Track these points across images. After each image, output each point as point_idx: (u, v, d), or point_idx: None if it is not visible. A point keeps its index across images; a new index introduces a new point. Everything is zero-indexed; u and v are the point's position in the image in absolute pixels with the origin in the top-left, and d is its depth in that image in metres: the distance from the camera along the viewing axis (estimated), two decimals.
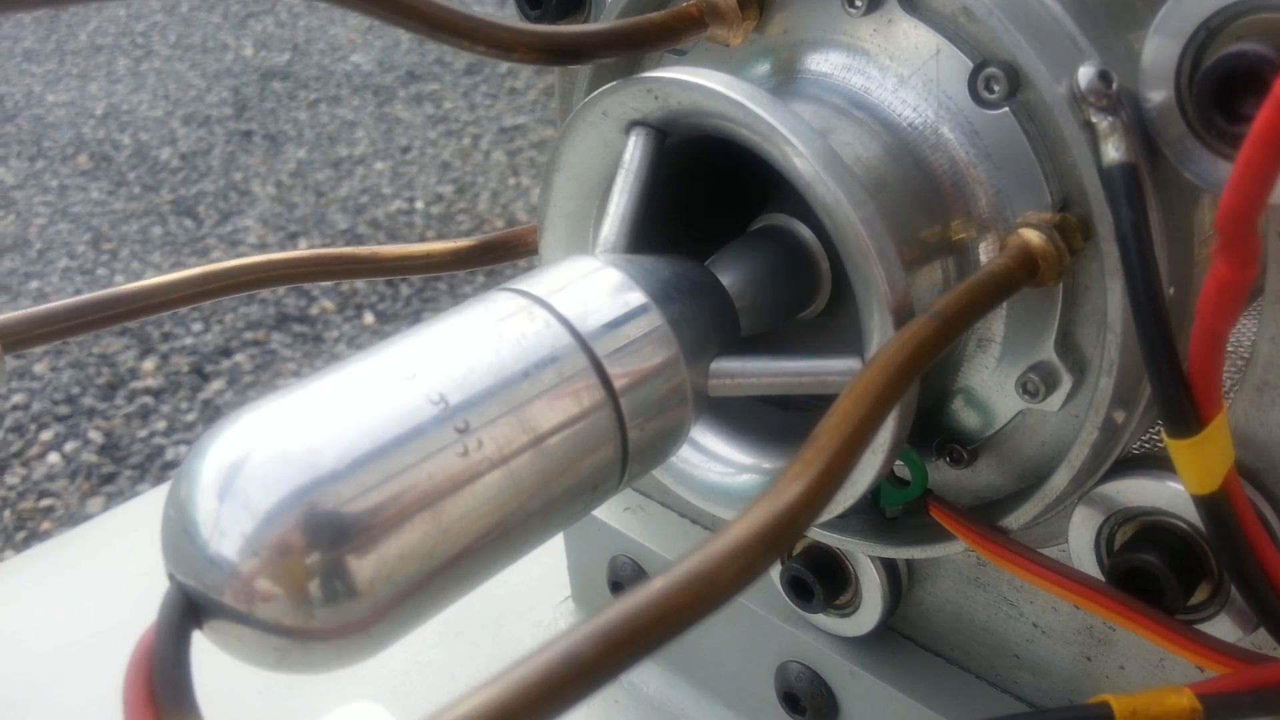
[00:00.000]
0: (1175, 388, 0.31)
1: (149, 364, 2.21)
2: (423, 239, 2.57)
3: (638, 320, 0.33)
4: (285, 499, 0.25)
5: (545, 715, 0.19)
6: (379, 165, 2.91)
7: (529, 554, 0.31)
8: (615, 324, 0.32)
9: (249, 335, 2.29)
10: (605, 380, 0.31)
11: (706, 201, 0.44)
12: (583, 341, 0.31)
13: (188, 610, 0.26)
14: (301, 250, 0.42)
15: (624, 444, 0.32)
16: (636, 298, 0.33)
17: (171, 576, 0.26)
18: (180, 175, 2.91)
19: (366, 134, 3.08)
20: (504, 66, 3.24)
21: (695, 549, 0.22)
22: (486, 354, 0.30)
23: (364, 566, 0.26)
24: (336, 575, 0.25)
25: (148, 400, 2.12)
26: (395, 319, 2.31)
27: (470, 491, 0.28)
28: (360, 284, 2.41)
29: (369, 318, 2.33)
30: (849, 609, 0.49)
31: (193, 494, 0.26)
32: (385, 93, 3.32)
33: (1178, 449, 0.32)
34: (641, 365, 0.32)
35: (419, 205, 2.72)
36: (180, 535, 0.26)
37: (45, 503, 1.89)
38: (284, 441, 0.26)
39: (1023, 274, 0.34)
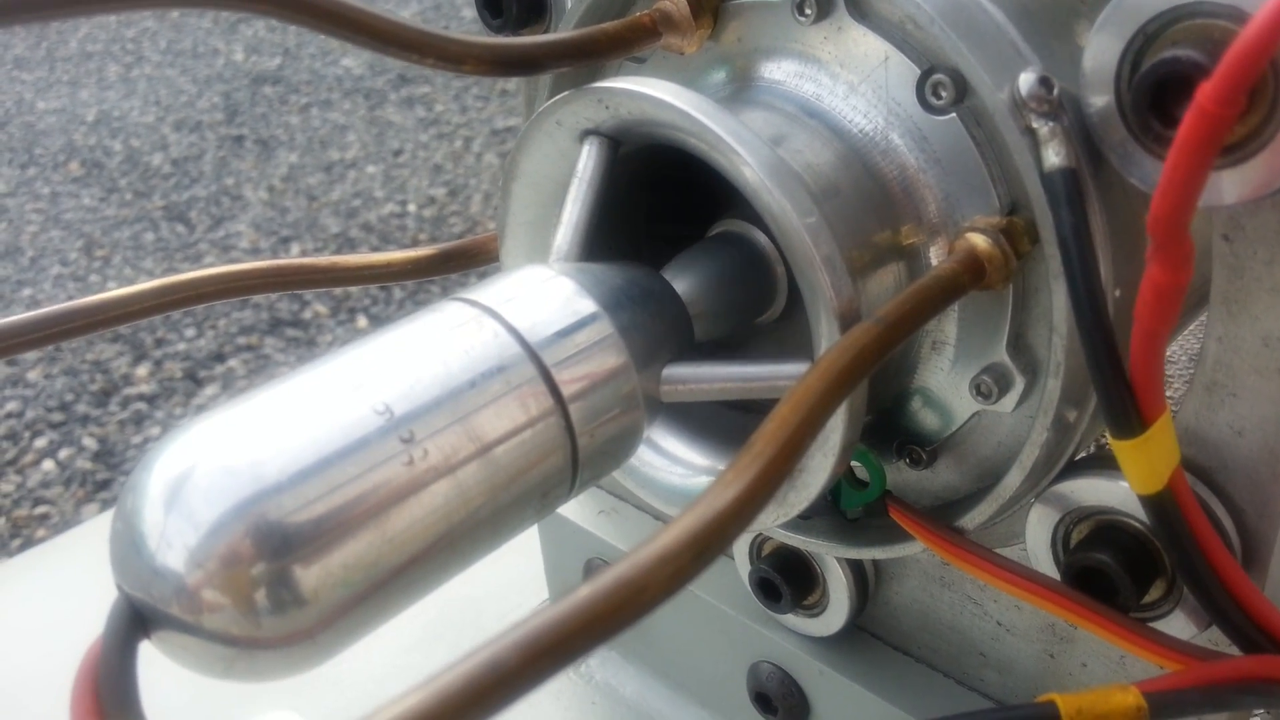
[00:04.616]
0: (1117, 389, 0.32)
1: (142, 370, 2.21)
2: (415, 242, 2.57)
3: (587, 328, 0.33)
4: (229, 511, 0.26)
5: None
6: (371, 169, 2.90)
7: (480, 561, 0.31)
8: (564, 333, 0.32)
9: (242, 340, 2.28)
10: (553, 388, 0.31)
11: (671, 206, 0.44)
12: (531, 350, 0.31)
13: (135, 621, 0.26)
14: (261, 261, 0.42)
15: (574, 451, 0.32)
16: (586, 306, 0.33)
17: (119, 588, 0.27)
18: (172, 181, 2.91)
19: (358, 138, 3.08)
20: None
21: (625, 556, 0.23)
22: (434, 364, 0.30)
23: (309, 576, 0.26)
24: (282, 585, 0.26)
25: (142, 406, 2.12)
26: (389, 323, 2.30)
27: (416, 501, 0.28)
28: (354, 288, 2.40)
29: (362, 321, 2.33)
30: (817, 609, 0.50)
31: (139, 507, 0.26)
32: (376, 96, 3.32)
33: (1122, 449, 0.33)
34: (590, 373, 0.32)
35: (411, 208, 2.71)
36: (127, 547, 0.26)
37: (40, 510, 1.89)
38: (229, 454, 0.27)
39: (969, 278, 0.34)
